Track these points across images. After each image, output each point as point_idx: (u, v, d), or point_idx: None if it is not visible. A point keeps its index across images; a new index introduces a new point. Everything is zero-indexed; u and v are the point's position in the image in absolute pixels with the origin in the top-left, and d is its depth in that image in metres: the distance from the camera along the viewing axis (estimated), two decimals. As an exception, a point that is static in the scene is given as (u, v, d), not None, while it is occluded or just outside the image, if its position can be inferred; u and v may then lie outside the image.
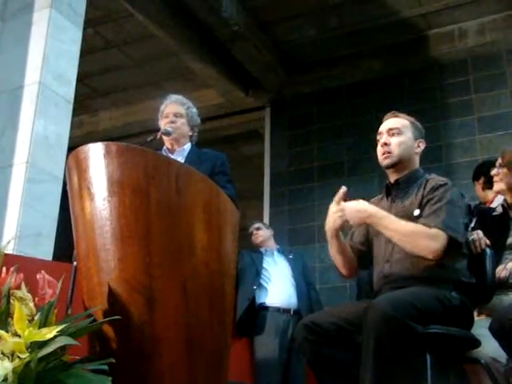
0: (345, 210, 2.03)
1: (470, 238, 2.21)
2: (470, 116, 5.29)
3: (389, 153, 2.12)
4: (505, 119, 5.11)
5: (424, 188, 2.07)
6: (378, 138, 2.19)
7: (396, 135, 2.12)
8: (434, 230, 1.90)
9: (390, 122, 2.18)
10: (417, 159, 2.17)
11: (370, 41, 5.64)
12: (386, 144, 2.13)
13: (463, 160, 5.16)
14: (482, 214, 2.65)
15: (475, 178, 3.28)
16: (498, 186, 2.52)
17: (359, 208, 2.02)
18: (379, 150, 2.16)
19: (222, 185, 2.34)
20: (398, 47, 5.63)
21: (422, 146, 2.17)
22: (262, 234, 3.99)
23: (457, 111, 5.35)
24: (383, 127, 2.18)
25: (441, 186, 2.04)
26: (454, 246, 1.92)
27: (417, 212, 2.02)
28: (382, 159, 2.14)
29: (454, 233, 1.92)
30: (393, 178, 2.17)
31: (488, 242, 2.22)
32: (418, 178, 2.13)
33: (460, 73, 5.44)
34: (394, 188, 2.17)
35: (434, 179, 2.09)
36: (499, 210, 2.54)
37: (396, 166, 2.13)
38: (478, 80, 5.34)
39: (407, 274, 2.00)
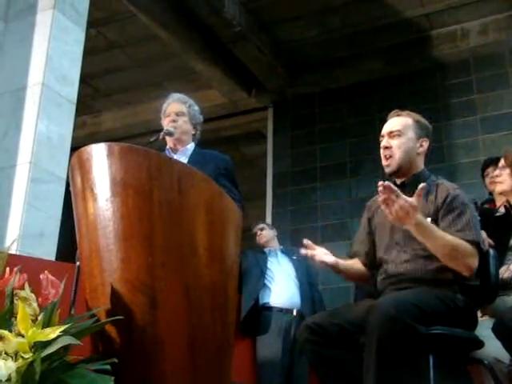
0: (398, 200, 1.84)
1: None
2: (472, 116, 5.28)
3: (390, 156, 2.09)
4: (508, 119, 5.10)
5: (436, 195, 2.03)
6: (380, 139, 2.17)
7: (397, 137, 2.09)
8: (472, 248, 1.91)
9: (392, 123, 2.14)
10: (420, 159, 2.13)
11: (372, 41, 5.64)
12: (386, 147, 2.10)
13: (466, 160, 5.16)
14: (484, 215, 2.64)
15: (483, 172, 3.21)
16: (501, 187, 2.51)
17: (411, 207, 1.85)
18: (381, 153, 2.14)
19: (229, 189, 2.33)
20: (400, 47, 5.63)
21: (426, 144, 2.12)
22: (266, 234, 4.00)
23: (459, 111, 5.35)
24: (384, 129, 2.15)
25: (456, 196, 2.00)
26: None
27: (428, 220, 1.98)
28: (385, 166, 2.12)
29: (483, 244, 1.95)
30: (398, 180, 2.14)
31: (492, 242, 2.21)
32: (424, 180, 2.08)
33: (462, 73, 5.43)
34: (399, 190, 2.14)
35: (445, 186, 2.05)
36: (502, 210, 2.53)
37: (399, 170, 2.10)
38: (480, 80, 5.34)
39: (411, 275, 2.00)
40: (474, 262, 1.90)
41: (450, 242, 1.89)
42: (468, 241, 1.91)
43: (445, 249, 1.90)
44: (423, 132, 2.13)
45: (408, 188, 2.09)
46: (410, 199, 1.85)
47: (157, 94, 5.95)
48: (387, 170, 2.12)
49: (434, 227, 1.92)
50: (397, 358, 1.72)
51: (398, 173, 2.11)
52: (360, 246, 2.23)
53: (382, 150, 2.13)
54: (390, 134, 2.11)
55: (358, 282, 2.21)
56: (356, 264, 2.21)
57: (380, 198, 1.87)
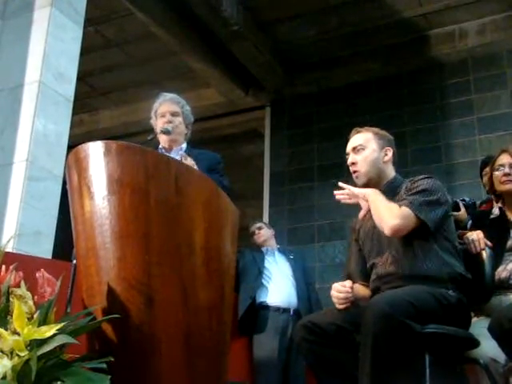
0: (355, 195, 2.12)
1: (470, 238, 2.21)
2: (470, 116, 5.29)
3: (357, 171, 2.16)
4: (505, 119, 5.11)
5: (407, 188, 2.11)
6: (346, 157, 2.24)
7: (360, 151, 2.18)
8: (402, 209, 1.98)
9: (353, 140, 2.23)
10: (389, 167, 2.20)
11: (370, 41, 5.64)
12: (353, 163, 2.18)
13: (463, 160, 5.16)
14: (479, 217, 2.62)
15: (481, 171, 3.18)
16: (510, 186, 2.46)
17: (359, 193, 2.11)
18: (350, 169, 2.21)
19: (216, 179, 2.34)
20: (398, 47, 5.63)
21: (390, 153, 2.20)
22: (264, 233, 4.00)
23: (457, 111, 5.35)
24: (348, 147, 2.24)
25: (420, 179, 2.10)
26: (423, 228, 1.98)
27: None
28: (355, 179, 2.20)
29: (420, 212, 1.97)
30: None
31: (489, 243, 2.21)
32: (399, 185, 2.16)
33: (460, 73, 5.44)
34: None
35: (417, 177, 2.13)
36: (496, 212, 2.51)
37: (370, 182, 2.16)
38: (478, 80, 5.34)
39: (403, 272, 2.02)
40: (396, 222, 1.95)
41: (383, 203, 2.02)
42: (402, 206, 1.99)
43: (377, 207, 2.02)
44: (385, 142, 2.22)
45: (385, 195, 2.13)
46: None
47: (154, 93, 5.89)
48: (358, 184, 2.18)
49: (382, 198, 2.05)
50: (392, 356, 1.73)
51: (368, 184, 2.16)
52: (353, 266, 2.25)
53: (350, 168, 2.21)
54: (354, 150, 2.20)
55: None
56: (362, 289, 2.19)
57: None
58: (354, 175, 2.19)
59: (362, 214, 2.14)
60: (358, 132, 2.24)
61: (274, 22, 5.56)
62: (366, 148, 2.18)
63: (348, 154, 2.23)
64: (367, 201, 2.08)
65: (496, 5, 5.21)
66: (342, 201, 2.15)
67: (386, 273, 2.05)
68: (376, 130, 2.25)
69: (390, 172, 2.20)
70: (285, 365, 3.50)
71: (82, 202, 1.67)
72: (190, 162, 2.47)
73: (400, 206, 2.00)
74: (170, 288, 1.59)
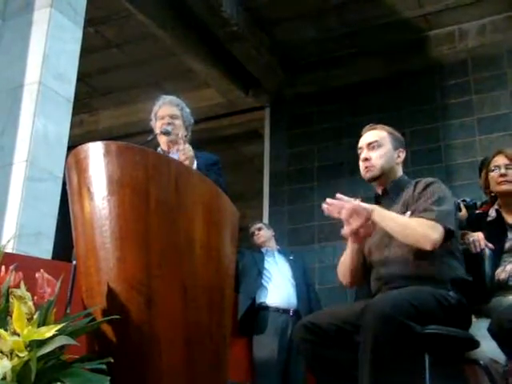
0: (347, 209, 1.96)
1: (471, 239, 2.21)
2: (469, 117, 5.29)
3: (371, 167, 2.15)
4: (505, 120, 5.11)
5: (414, 189, 2.10)
6: (358, 152, 2.22)
7: (376, 148, 2.16)
8: (432, 222, 1.94)
9: (369, 135, 2.20)
10: (399, 168, 2.20)
11: (370, 41, 5.65)
12: (366, 159, 2.16)
13: (463, 161, 5.16)
14: (473, 220, 2.60)
15: (480, 172, 3.17)
16: (508, 186, 2.46)
17: (360, 208, 1.97)
18: (361, 164, 2.19)
19: (213, 178, 2.34)
20: (398, 48, 5.63)
21: (403, 155, 2.20)
22: (264, 234, 4.00)
23: (457, 112, 5.36)
24: (362, 142, 2.21)
25: (430, 183, 2.08)
26: (448, 236, 1.97)
27: (408, 214, 2.04)
28: (365, 173, 2.18)
29: (448, 224, 1.96)
30: (379, 189, 2.20)
31: (490, 245, 2.21)
32: (405, 184, 2.16)
33: (460, 73, 5.44)
34: (382, 198, 2.18)
35: (423, 180, 2.12)
36: (493, 214, 2.50)
37: (379, 178, 2.16)
38: (478, 81, 5.35)
39: (404, 273, 2.01)
40: (435, 235, 1.91)
41: (405, 219, 1.97)
42: (429, 219, 1.95)
43: (401, 225, 1.96)
44: (398, 143, 2.21)
45: (390, 194, 2.15)
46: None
47: (154, 93, 5.88)
48: (368, 176, 2.16)
49: (392, 213, 2.00)
50: (392, 356, 1.73)
51: (378, 178, 2.16)
52: None
53: (361, 163, 2.19)
54: (369, 146, 2.17)
55: (350, 275, 2.18)
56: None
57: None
58: (364, 170, 2.17)
59: (347, 231, 2.00)
60: (374, 128, 2.22)
61: (274, 22, 5.56)
62: (381, 146, 2.16)
63: (361, 149, 2.20)
64: (368, 219, 1.95)
65: (496, 5, 5.21)
66: (329, 212, 1.98)
67: (387, 273, 2.05)
68: (390, 129, 2.24)
69: (399, 173, 2.20)
70: (285, 365, 3.50)
71: (81, 202, 1.67)
72: (187, 146, 2.47)
73: (423, 217, 1.95)
74: (170, 288, 1.59)
